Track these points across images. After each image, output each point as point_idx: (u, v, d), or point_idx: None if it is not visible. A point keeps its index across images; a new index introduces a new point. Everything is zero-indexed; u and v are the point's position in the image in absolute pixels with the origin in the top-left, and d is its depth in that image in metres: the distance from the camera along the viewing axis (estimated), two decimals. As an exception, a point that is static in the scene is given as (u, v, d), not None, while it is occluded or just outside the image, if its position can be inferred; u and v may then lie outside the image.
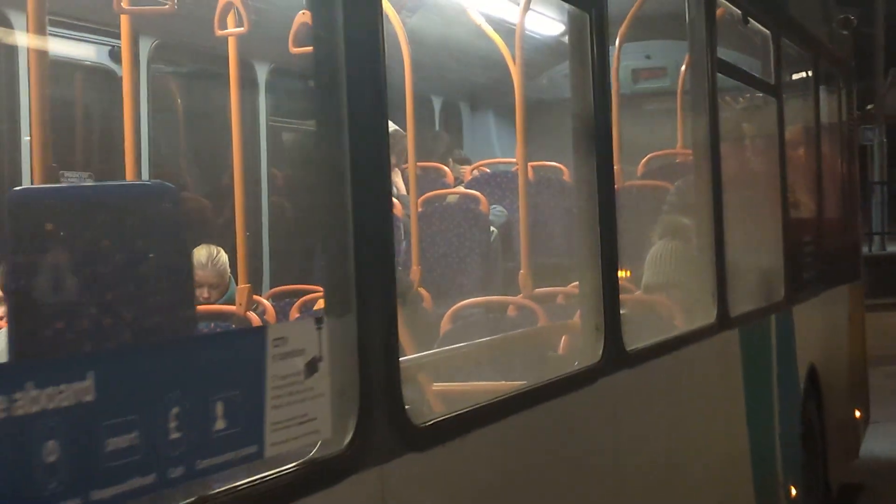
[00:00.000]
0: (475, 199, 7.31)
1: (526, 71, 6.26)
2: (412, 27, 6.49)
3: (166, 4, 4.03)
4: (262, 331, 2.23)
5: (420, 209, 6.61)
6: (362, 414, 2.45)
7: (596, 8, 3.96)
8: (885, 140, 26.49)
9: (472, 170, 8.55)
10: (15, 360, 2.08)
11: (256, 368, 2.15)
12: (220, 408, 2.05)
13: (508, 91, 6.94)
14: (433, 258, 7.05)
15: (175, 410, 1.94)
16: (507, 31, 6.63)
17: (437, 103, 9.65)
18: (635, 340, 4.17)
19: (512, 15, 6.84)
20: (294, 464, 2.28)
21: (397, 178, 7.34)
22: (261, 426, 2.15)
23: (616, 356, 3.95)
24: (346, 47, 2.51)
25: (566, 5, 4.12)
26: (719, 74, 5.51)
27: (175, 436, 1.94)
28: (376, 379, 2.51)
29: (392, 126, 7.08)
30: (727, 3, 5.80)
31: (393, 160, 7.35)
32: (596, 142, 3.98)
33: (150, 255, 2.47)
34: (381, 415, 2.53)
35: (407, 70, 6.17)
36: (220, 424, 2.04)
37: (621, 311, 4.03)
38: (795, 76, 7.85)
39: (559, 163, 7.72)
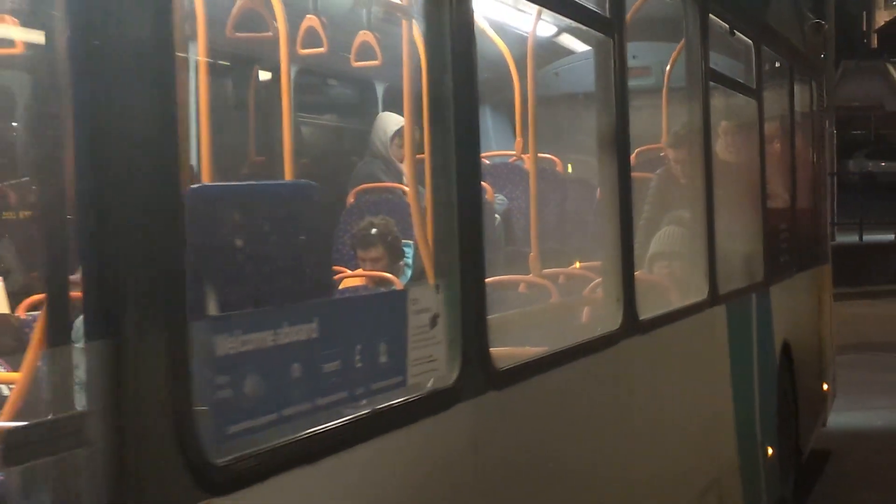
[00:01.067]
0: (483, 191, 7.97)
1: (518, 71, 6.96)
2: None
3: (269, 32, 4.79)
4: (404, 293, 3.01)
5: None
6: (464, 358, 3.24)
7: (618, 34, 4.76)
8: (835, 132, 27.36)
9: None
10: (275, 307, 2.86)
11: (402, 320, 2.95)
12: (382, 347, 2.84)
13: (504, 88, 7.69)
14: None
15: (358, 347, 2.74)
16: (498, 29, 7.34)
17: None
18: (645, 312, 4.98)
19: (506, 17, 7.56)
20: (421, 392, 3.08)
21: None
22: (405, 362, 2.94)
23: (631, 324, 4.77)
24: (453, 76, 3.31)
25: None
26: (711, 83, 6.33)
27: (359, 365, 2.73)
28: (473, 332, 3.31)
29: (402, 121, 7.81)
30: (717, 19, 6.60)
31: (404, 153, 8.09)
32: (616, 143, 4.79)
33: (301, 238, 3.26)
34: (476, 359, 3.33)
35: (424, 74, 6.89)
36: (382, 359, 2.84)
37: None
38: (773, 78, 8.66)
39: (547, 154, 8.44)
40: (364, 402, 2.75)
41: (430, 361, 3.08)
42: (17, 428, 1.86)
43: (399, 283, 5.92)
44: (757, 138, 7.61)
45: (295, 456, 2.44)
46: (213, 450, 2.18)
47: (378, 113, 8.35)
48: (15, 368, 4.88)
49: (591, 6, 4.67)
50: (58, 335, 2.01)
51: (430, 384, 3.13)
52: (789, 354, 8.40)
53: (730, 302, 6.55)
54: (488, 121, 11.01)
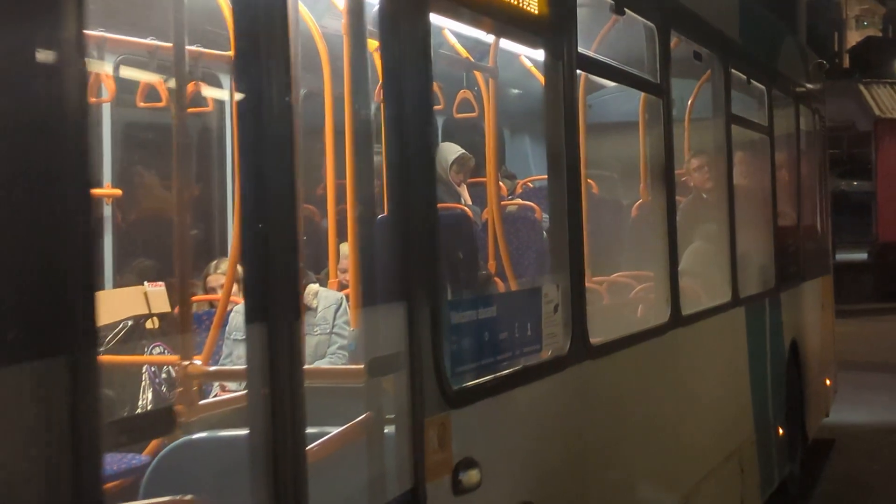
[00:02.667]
0: (531, 209, 9.35)
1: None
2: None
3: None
4: (540, 289, 4.43)
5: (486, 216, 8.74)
6: (572, 336, 4.66)
7: (665, 94, 6.19)
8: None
9: (522, 184, 10.66)
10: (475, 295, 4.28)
11: (539, 307, 4.37)
12: (528, 325, 4.26)
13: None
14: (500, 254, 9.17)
15: (516, 324, 4.16)
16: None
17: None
18: (686, 309, 6.39)
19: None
20: (548, 358, 4.49)
21: (464, 193, 9.37)
22: (541, 336, 4.36)
23: (677, 318, 6.17)
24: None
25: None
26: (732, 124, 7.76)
27: (516, 335, 4.15)
28: (578, 318, 4.72)
29: (460, 150, 9.19)
30: (736, 72, 8.01)
31: (461, 177, 9.45)
32: (665, 181, 6.20)
33: (467, 246, 4.68)
34: (579, 338, 4.74)
35: (489, 113, 8.27)
36: (529, 333, 4.26)
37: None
38: (782, 114, 10.07)
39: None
40: (520, 360, 4.17)
41: (553, 336, 4.50)
42: (376, 356, 3.30)
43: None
44: (769, 167, 9.02)
45: (489, 389, 3.86)
46: (452, 380, 3.60)
47: (438, 143, 9.69)
48: (174, 351, 6.26)
49: (646, 76, 6.10)
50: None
51: (551, 353, 4.54)
52: (797, 351, 9.79)
53: (748, 304, 7.95)
54: (527, 148, 12.40)
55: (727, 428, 7.50)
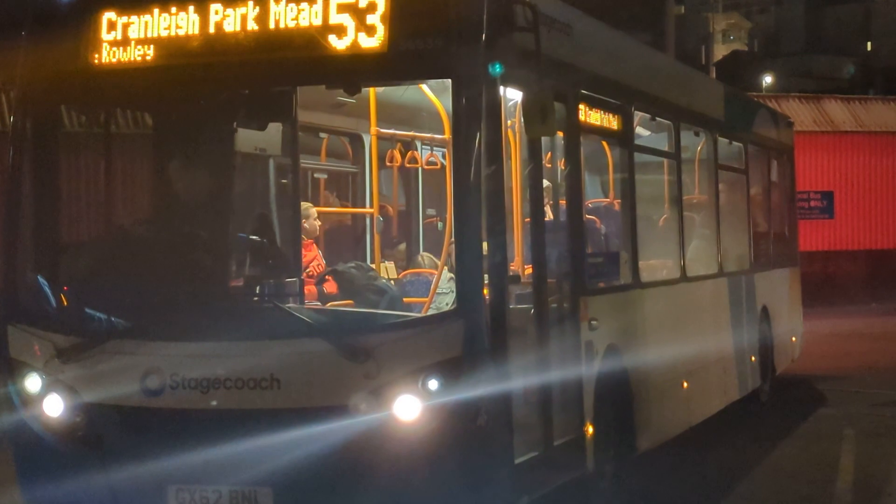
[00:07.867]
0: (594, 221, 14.77)
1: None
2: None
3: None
4: (618, 254, 9.93)
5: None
6: (633, 277, 10.16)
7: (677, 159, 11.68)
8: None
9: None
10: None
11: (618, 264, 9.89)
12: (615, 270, 9.79)
13: (599, 157, 14.51)
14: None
15: (612, 269, 9.69)
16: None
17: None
18: (690, 273, 11.85)
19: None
20: (621, 283, 10.00)
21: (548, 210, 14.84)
22: (619, 275, 9.89)
23: (683, 277, 11.64)
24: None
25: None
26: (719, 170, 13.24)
27: (611, 273, 9.69)
28: (636, 270, 10.21)
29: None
30: (722, 138, 13.45)
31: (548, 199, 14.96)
32: (678, 204, 11.68)
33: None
34: (637, 278, 10.23)
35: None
36: (615, 273, 9.80)
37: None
38: (758, 158, 15.47)
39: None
40: (612, 283, 9.70)
41: (625, 276, 10.01)
42: (557, 277, 8.79)
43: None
44: (746, 196, 14.45)
45: (601, 290, 9.39)
46: (588, 286, 9.11)
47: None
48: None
49: (666, 149, 11.60)
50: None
51: (624, 282, 10.04)
52: (767, 313, 15.18)
53: (729, 277, 13.39)
54: (586, 180, 17.79)
55: (714, 345, 12.91)
